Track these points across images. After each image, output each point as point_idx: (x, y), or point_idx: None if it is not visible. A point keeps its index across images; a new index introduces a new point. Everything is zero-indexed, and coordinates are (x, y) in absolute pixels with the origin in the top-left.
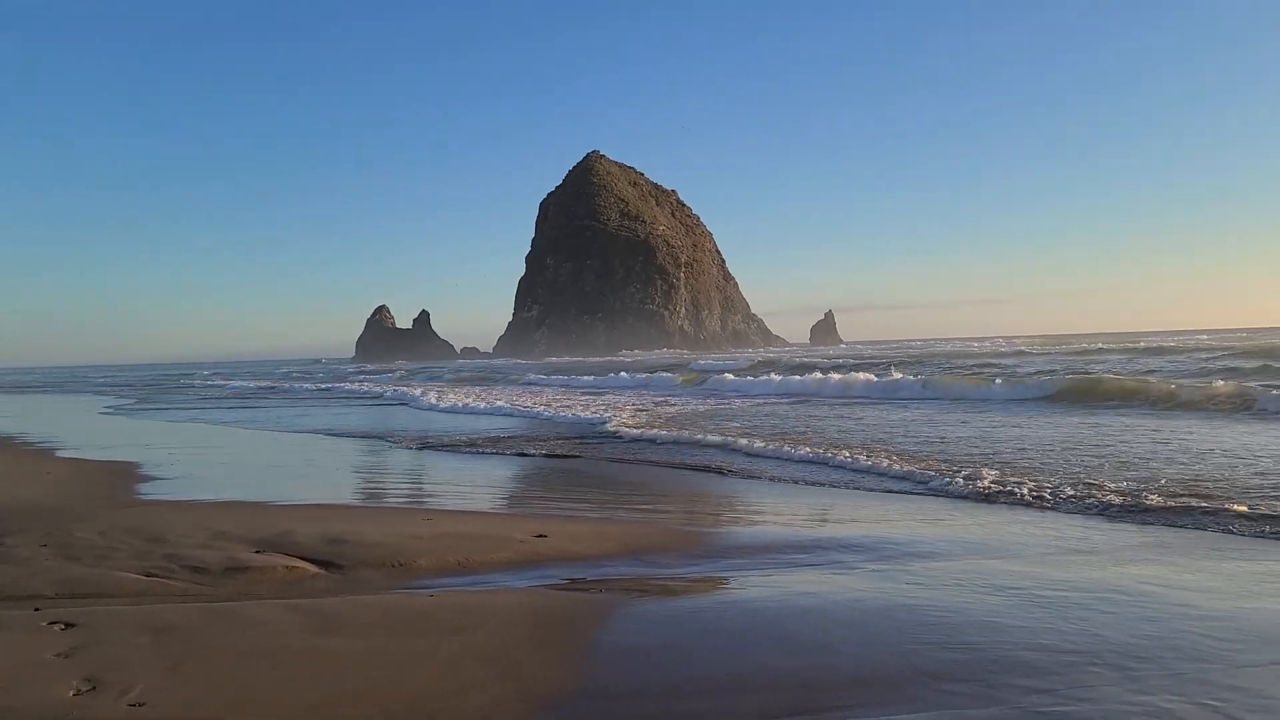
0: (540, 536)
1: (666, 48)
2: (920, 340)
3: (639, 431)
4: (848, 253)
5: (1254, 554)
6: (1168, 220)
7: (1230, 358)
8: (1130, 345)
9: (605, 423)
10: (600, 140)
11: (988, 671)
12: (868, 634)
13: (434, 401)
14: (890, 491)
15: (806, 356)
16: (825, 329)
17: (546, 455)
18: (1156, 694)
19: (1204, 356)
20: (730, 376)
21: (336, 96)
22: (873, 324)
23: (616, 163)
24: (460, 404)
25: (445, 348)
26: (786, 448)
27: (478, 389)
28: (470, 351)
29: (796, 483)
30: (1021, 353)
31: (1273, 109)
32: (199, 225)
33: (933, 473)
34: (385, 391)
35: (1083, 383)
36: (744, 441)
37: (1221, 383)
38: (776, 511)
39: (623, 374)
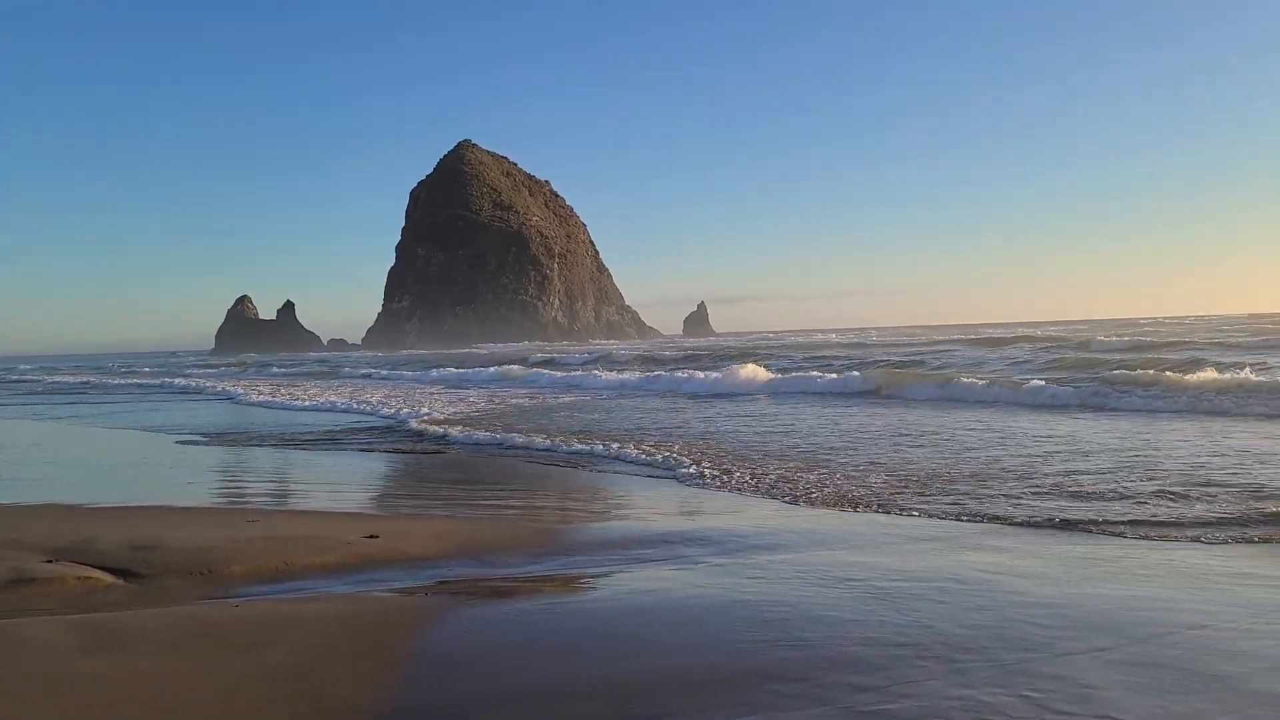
0: (372, 537)
1: (541, 38)
2: (788, 331)
3: (441, 429)
4: (722, 245)
5: (1084, 540)
6: (1051, 212)
7: (1064, 349)
8: (982, 336)
9: (413, 418)
10: (471, 129)
11: (818, 669)
12: (702, 633)
13: (257, 396)
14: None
15: (664, 349)
16: (698, 320)
17: (391, 451)
18: (979, 687)
19: (1038, 348)
20: (555, 373)
21: (195, 88)
22: (746, 315)
23: (489, 152)
24: (282, 399)
25: (311, 339)
26: (574, 443)
27: (311, 384)
28: (338, 343)
29: (653, 477)
30: (868, 344)
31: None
32: (47, 218)
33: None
34: (208, 386)
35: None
36: (536, 438)
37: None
38: (630, 505)
39: (448, 369)
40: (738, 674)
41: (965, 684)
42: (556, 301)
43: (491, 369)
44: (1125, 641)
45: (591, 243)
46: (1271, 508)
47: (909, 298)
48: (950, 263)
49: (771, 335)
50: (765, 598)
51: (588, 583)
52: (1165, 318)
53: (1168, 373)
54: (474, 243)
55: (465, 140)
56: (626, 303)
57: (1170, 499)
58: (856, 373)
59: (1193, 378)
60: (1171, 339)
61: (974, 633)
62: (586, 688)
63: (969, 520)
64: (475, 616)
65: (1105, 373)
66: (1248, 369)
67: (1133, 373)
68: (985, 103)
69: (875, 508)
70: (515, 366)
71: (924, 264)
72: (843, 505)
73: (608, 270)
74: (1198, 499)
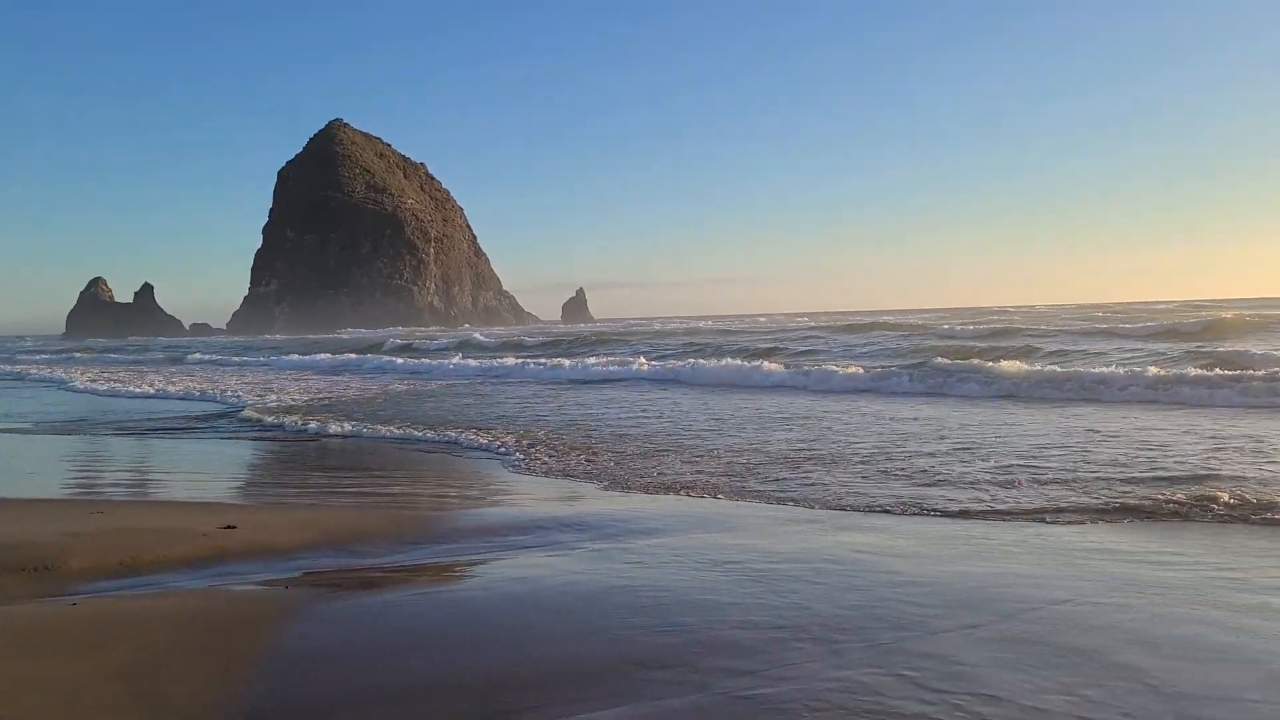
0: (229, 528)
1: (416, 18)
2: (664, 317)
3: (273, 419)
4: (603, 231)
5: (952, 519)
6: (921, 203)
7: (927, 336)
8: (841, 323)
9: (255, 407)
10: (343, 109)
11: (695, 655)
12: (577, 622)
13: (91, 384)
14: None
15: (531, 335)
16: (577, 306)
17: (256, 438)
18: (856, 668)
19: (899, 335)
20: (406, 359)
21: (48, 62)
22: (626, 302)
23: (361, 132)
24: (116, 387)
25: (171, 324)
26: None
27: (154, 370)
28: (201, 328)
29: (514, 468)
30: (734, 331)
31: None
32: None
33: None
34: (41, 373)
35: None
36: (385, 427)
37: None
38: (505, 491)
39: (307, 355)
40: (614, 662)
41: (842, 665)
42: (432, 286)
43: (344, 356)
44: (994, 618)
45: (468, 227)
46: (1124, 487)
47: (786, 285)
48: (825, 251)
49: (640, 321)
50: (642, 583)
51: (460, 571)
52: (1020, 306)
53: (1013, 361)
54: (346, 225)
55: (336, 120)
56: (504, 288)
57: (1019, 482)
58: (689, 362)
59: (1012, 366)
60: (1019, 325)
61: (850, 613)
62: (456, 681)
63: (825, 507)
64: (340, 609)
65: (938, 360)
66: (1088, 365)
67: (966, 362)
68: (867, 86)
69: (747, 493)
70: (370, 355)
71: (801, 253)
72: (711, 491)
73: (485, 255)
74: (1049, 481)
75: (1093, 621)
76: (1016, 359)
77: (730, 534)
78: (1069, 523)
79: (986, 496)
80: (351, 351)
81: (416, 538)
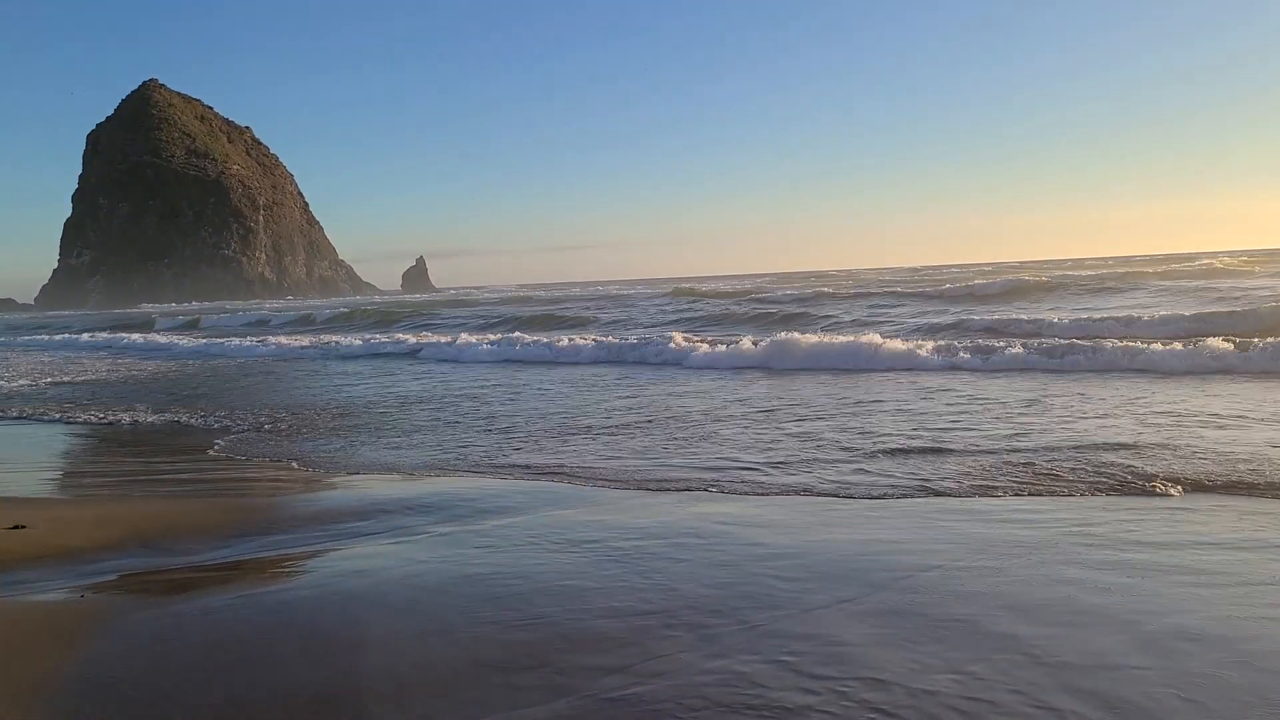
0: (18, 528)
1: None
2: (507, 286)
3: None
4: (447, 198)
5: (805, 485)
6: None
7: (733, 303)
8: (672, 289)
9: None
10: (160, 68)
11: (558, 652)
12: (426, 620)
13: None
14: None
15: (326, 309)
16: (417, 275)
17: (64, 421)
18: (732, 655)
19: (719, 302)
20: (167, 339)
21: None
22: (470, 269)
23: (179, 94)
24: None
25: None
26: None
27: None
28: (6, 304)
29: (360, 444)
30: (569, 299)
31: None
32: None
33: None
34: None
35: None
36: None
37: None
38: (343, 474)
39: (82, 334)
40: (468, 666)
41: (717, 653)
42: (263, 256)
43: (84, 336)
44: (868, 590)
45: (300, 194)
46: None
47: (644, 251)
48: (665, 220)
49: (473, 290)
50: (496, 570)
51: (290, 567)
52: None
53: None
54: (166, 192)
55: (151, 80)
56: (340, 257)
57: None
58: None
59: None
60: (829, 291)
61: (720, 592)
62: (275, 703)
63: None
64: (148, 619)
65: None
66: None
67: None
68: (728, 60)
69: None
70: (123, 335)
71: (664, 220)
72: (561, 469)
73: (319, 224)
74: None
75: (967, 588)
76: (781, 326)
77: (585, 509)
78: (913, 495)
79: (830, 471)
80: (119, 330)
81: (240, 529)
